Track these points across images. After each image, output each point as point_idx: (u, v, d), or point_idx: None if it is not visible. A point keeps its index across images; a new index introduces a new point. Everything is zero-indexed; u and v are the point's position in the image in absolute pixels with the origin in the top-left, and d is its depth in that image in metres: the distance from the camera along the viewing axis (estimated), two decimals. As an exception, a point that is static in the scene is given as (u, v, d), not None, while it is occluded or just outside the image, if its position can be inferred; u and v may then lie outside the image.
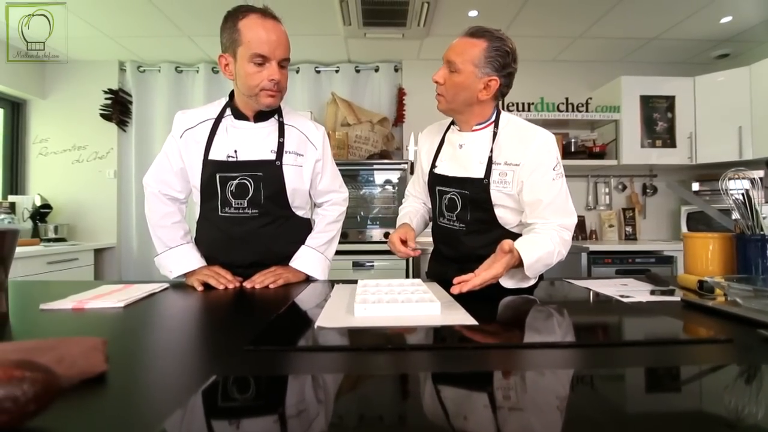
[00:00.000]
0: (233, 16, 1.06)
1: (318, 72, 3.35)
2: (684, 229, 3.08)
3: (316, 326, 0.69)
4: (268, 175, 1.15)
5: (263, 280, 1.11)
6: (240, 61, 1.06)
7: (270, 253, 1.20)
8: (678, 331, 0.71)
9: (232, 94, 1.18)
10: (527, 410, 0.42)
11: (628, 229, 3.30)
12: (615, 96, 3.08)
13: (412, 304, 0.78)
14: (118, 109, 3.27)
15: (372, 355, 0.58)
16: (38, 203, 3.04)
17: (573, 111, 3.09)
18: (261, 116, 1.17)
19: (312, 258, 1.23)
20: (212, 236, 1.20)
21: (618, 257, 2.73)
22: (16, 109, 3.26)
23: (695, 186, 3.09)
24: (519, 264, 0.95)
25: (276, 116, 1.20)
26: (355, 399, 0.46)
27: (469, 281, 0.88)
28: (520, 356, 0.59)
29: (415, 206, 1.34)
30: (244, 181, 1.14)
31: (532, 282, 1.02)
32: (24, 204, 3.05)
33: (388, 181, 2.95)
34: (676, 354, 0.60)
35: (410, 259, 2.66)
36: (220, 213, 1.16)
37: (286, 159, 1.17)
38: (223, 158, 1.14)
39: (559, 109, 3.09)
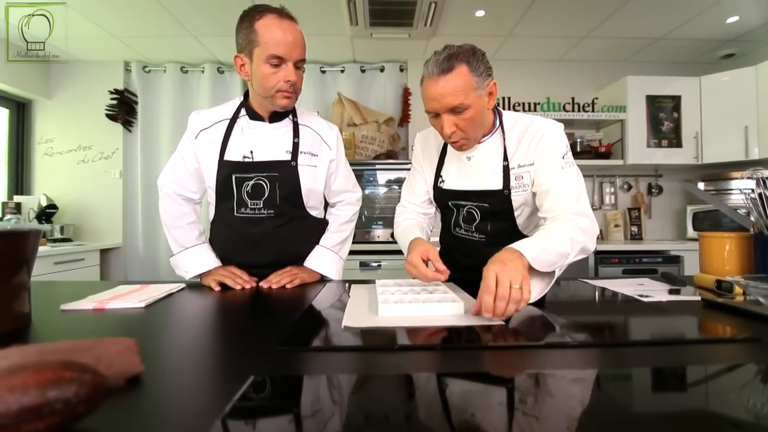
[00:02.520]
0: (249, 16, 1.04)
1: (323, 72, 3.35)
2: (690, 228, 3.08)
3: (342, 326, 0.69)
4: (284, 175, 1.15)
5: (279, 280, 1.11)
6: (256, 62, 1.05)
7: (285, 253, 1.19)
8: (704, 330, 0.71)
9: (246, 94, 1.18)
10: (561, 409, 0.42)
11: (634, 228, 3.30)
12: (621, 96, 3.08)
13: (435, 304, 0.78)
14: (123, 109, 3.27)
15: (403, 355, 0.57)
16: (44, 203, 3.04)
17: (579, 111, 3.10)
18: (276, 116, 1.17)
19: (326, 258, 1.23)
20: (228, 237, 1.20)
21: (625, 257, 2.73)
22: (22, 109, 3.26)
23: (700, 186, 3.09)
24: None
25: (291, 116, 1.20)
26: (396, 398, 0.46)
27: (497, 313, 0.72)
28: (549, 356, 0.58)
29: (416, 219, 1.21)
30: (260, 181, 1.14)
31: (552, 280, 0.91)
32: (30, 204, 3.05)
33: (394, 181, 2.95)
34: (705, 353, 0.60)
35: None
36: (235, 214, 1.16)
37: (301, 159, 1.17)
38: (239, 159, 1.14)
39: (565, 109, 3.10)
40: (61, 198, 3.21)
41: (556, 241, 0.86)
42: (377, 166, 2.92)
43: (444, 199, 1.16)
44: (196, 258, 1.17)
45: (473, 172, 1.09)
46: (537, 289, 0.85)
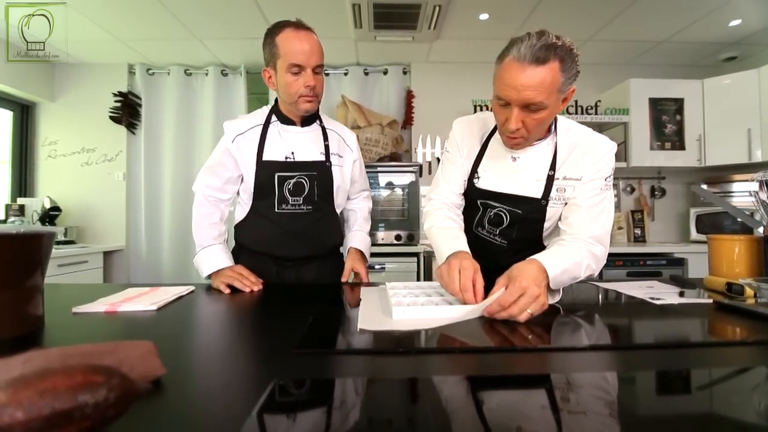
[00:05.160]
0: (271, 33, 1.15)
1: (327, 75, 3.36)
2: (693, 231, 3.08)
3: (358, 329, 0.69)
4: (321, 174, 1.26)
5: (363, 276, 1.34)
6: (280, 72, 1.15)
7: (321, 245, 1.31)
8: (720, 333, 0.71)
9: (276, 102, 1.28)
10: (587, 413, 0.42)
11: (637, 231, 3.30)
12: (624, 98, 3.08)
13: (447, 307, 0.78)
14: (127, 111, 3.27)
15: (422, 358, 0.57)
16: (47, 206, 3.04)
17: (582, 113, 3.10)
18: (306, 121, 1.27)
19: (367, 241, 1.40)
20: (268, 232, 1.26)
21: (629, 259, 2.73)
22: (25, 112, 3.27)
23: (704, 188, 3.09)
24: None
25: (318, 121, 1.31)
26: (419, 401, 0.46)
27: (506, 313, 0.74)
28: (566, 358, 0.58)
29: (459, 222, 1.11)
30: (301, 179, 1.23)
31: (558, 295, 0.93)
32: (33, 206, 3.05)
33: (399, 184, 2.95)
34: (723, 356, 0.59)
35: (422, 262, 2.66)
36: (276, 210, 1.24)
37: (333, 160, 1.28)
38: (282, 159, 1.23)
39: (569, 111, 3.10)
40: (65, 200, 3.21)
41: (575, 267, 0.89)
42: (380, 169, 2.92)
43: (474, 196, 1.10)
44: (209, 257, 1.20)
45: (515, 174, 1.03)
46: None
